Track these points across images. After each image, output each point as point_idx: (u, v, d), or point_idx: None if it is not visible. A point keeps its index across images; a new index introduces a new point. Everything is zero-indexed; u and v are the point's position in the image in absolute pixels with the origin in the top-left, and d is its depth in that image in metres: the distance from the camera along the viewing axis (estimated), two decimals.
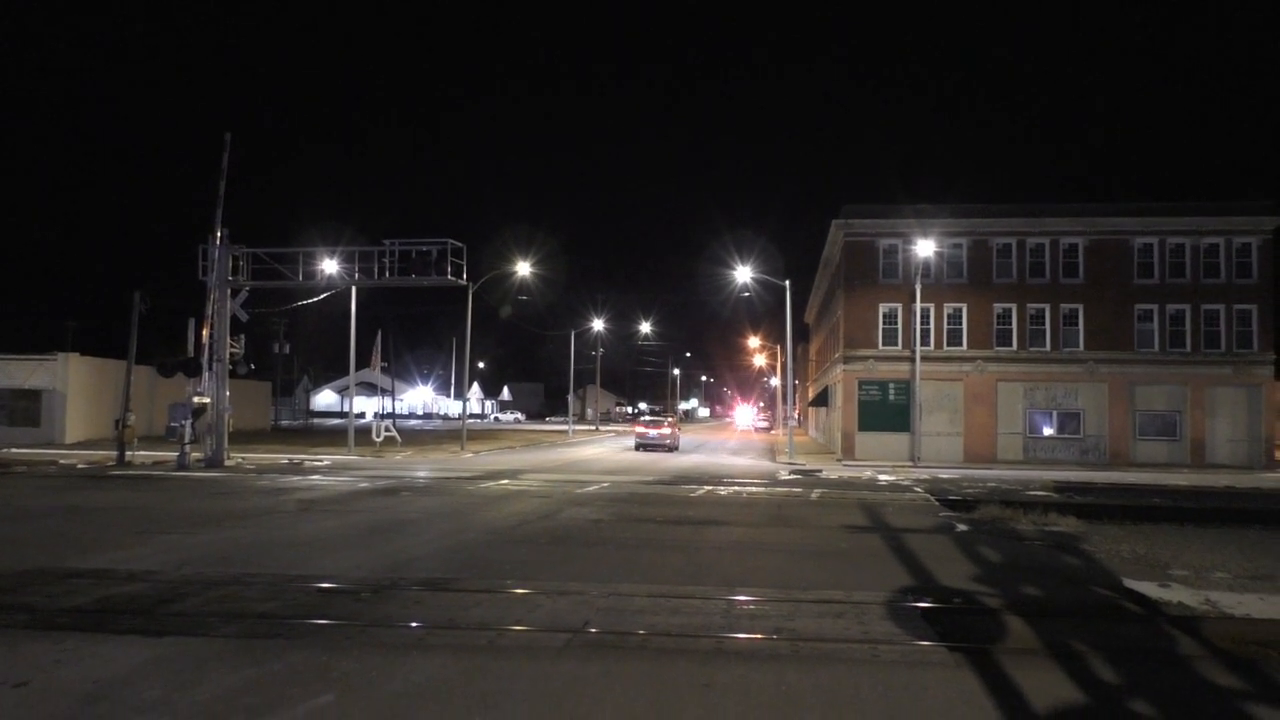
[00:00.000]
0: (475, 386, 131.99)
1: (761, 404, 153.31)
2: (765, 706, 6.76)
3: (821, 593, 10.95)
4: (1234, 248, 39.23)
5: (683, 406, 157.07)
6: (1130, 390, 39.66)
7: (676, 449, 47.28)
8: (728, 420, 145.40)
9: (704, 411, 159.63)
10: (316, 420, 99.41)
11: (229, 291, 32.85)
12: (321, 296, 37.76)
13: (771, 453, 46.59)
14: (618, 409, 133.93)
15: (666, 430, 47.54)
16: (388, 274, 34.16)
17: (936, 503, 22.63)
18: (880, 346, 40.20)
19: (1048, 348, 39.82)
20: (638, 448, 46.78)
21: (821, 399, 53.80)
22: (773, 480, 29.37)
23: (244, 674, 7.35)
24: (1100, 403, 39.81)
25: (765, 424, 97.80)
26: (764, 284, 42.71)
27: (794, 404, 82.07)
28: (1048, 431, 39.94)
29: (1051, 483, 29.30)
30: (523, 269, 46.86)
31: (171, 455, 33.08)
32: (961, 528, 17.57)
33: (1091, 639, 8.84)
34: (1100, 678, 7.59)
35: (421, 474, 29.63)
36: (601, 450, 47.64)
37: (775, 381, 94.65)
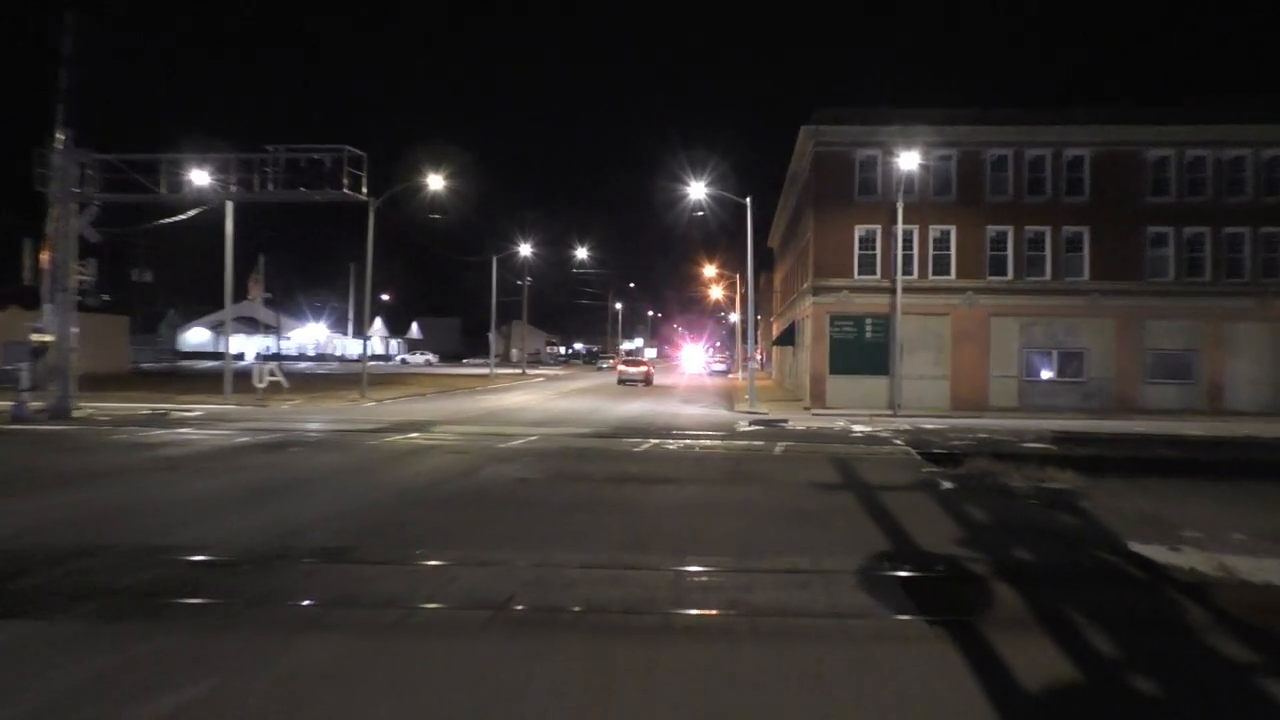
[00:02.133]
0: (378, 322, 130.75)
1: (717, 343, 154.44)
2: (717, 689, 6.89)
3: (784, 560, 11.15)
4: (1262, 161, 40.00)
5: (625, 346, 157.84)
6: (1140, 326, 40.50)
7: (650, 384, 66.62)
8: (675, 361, 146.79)
9: (650, 352, 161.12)
10: (186, 362, 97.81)
11: (74, 206, 31.90)
12: (191, 214, 36.86)
13: (729, 400, 46.89)
14: (549, 349, 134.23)
15: (645, 368, 68.68)
16: (271, 187, 33.46)
17: (918, 456, 23.12)
18: (855, 275, 40.48)
19: (1047, 277, 40.45)
20: (620, 382, 66.42)
21: (788, 337, 54.04)
22: (730, 432, 29.68)
23: (103, 660, 7.29)
24: (1106, 341, 40.66)
25: (722, 367, 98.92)
26: (721, 202, 42.68)
27: (755, 343, 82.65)
28: (1046, 374, 40.75)
29: (1050, 433, 30.04)
30: (435, 183, 46.18)
31: (5, 405, 32.32)
32: (946, 484, 17.98)
33: (1090, 608, 9.13)
34: (1099, 651, 7.85)
35: (314, 426, 29.37)
36: (529, 398, 47.69)
37: (734, 317, 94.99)
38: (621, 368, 70.37)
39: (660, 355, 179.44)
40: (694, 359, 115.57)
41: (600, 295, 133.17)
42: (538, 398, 48.00)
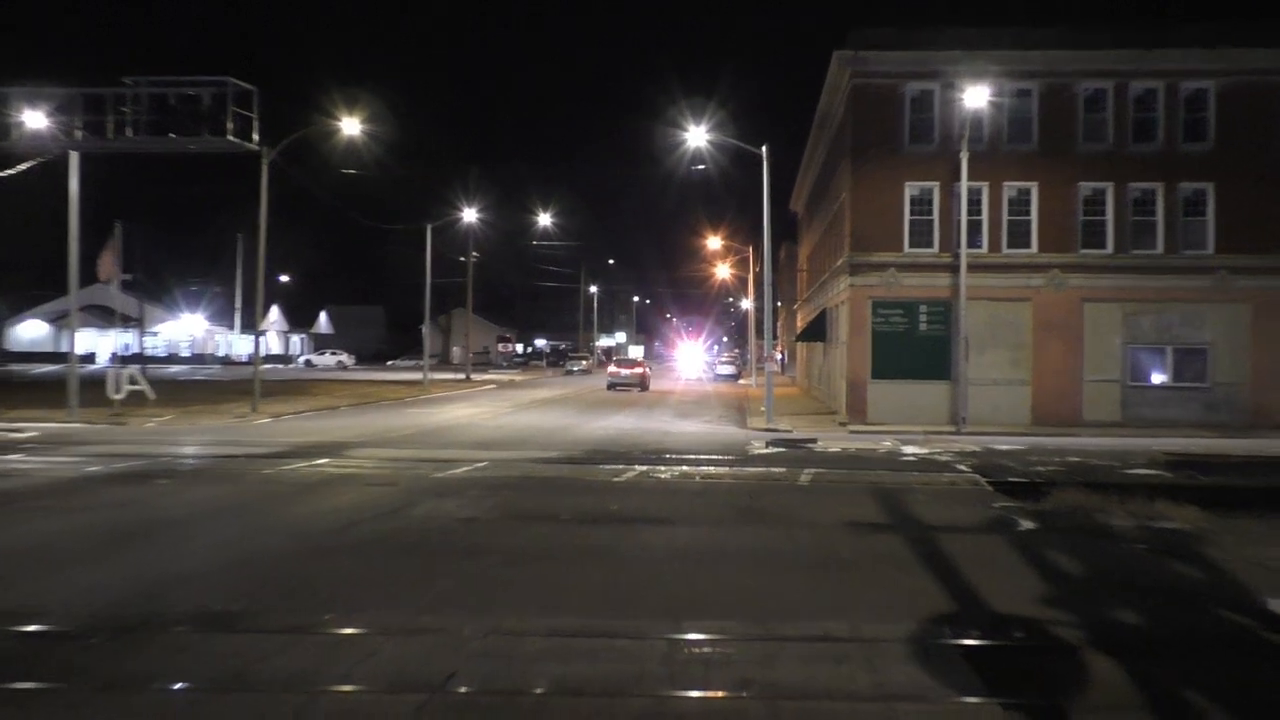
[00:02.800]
0: (275, 313, 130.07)
1: (723, 339, 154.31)
2: None
3: (813, 625, 11.13)
4: None
5: (604, 343, 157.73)
6: None
7: (646, 389, 72.13)
8: (670, 362, 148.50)
9: (636, 350, 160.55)
10: (17, 366, 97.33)
11: None
12: (21, 169, 36.66)
13: (740, 413, 47.12)
14: (503, 347, 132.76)
15: (640, 370, 74.62)
16: (131, 132, 33.26)
17: (989, 487, 23.12)
18: (906, 249, 40.47)
19: (1159, 249, 40.38)
20: (610, 387, 72.00)
21: (816, 330, 53.69)
22: (742, 455, 29.71)
23: None
24: (1238, 333, 40.39)
25: (730, 369, 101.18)
26: (729, 154, 43.06)
27: (774, 339, 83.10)
28: (1158, 378, 40.72)
29: (1162, 455, 29.96)
30: (350, 127, 45.85)
31: None
32: (1026, 524, 18.00)
33: (1216, 690, 9.07)
34: None
35: (190, 450, 29.25)
36: (477, 411, 47.53)
37: (746, 304, 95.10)
38: (613, 369, 77.07)
39: (649, 354, 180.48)
40: (693, 359, 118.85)
41: (570, 277, 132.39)
42: (489, 411, 47.86)
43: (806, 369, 72.65)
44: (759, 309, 73.84)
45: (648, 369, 79.08)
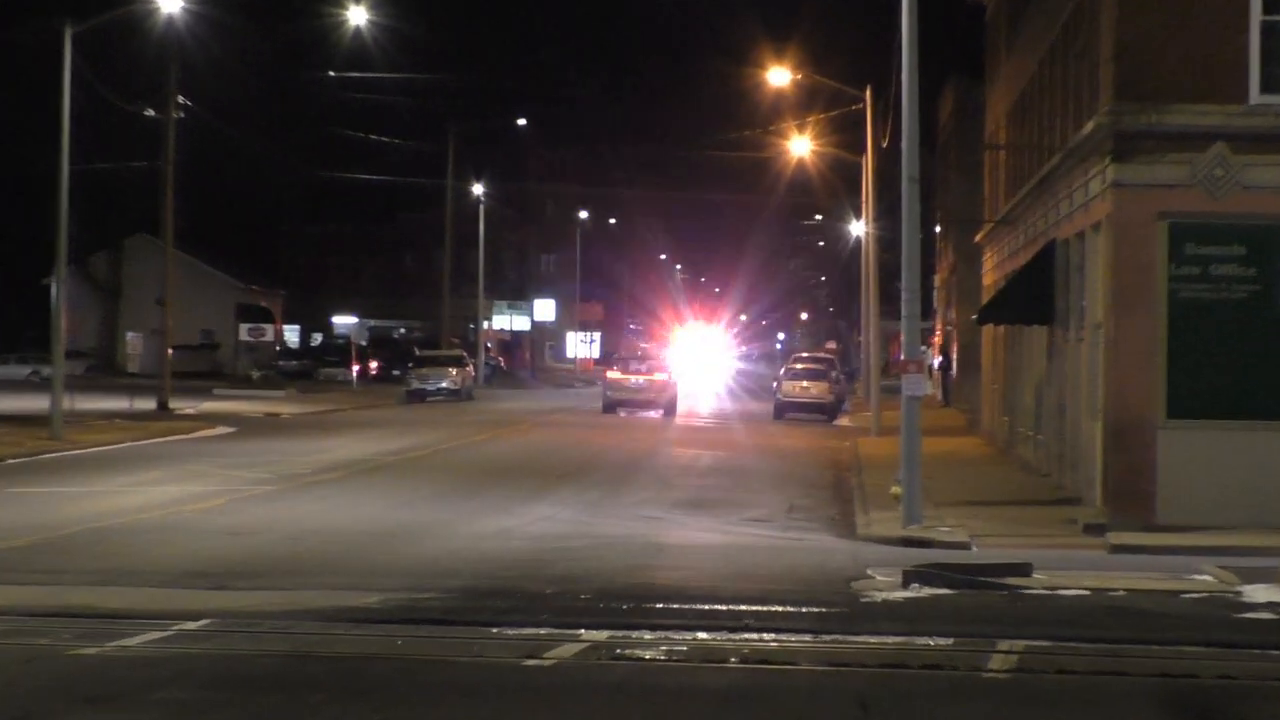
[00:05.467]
0: None
1: (796, 332, 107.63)
2: None
3: None
4: None
5: (497, 325, 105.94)
6: None
7: (673, 413, 52.32)
8: (645, 362, 67.65)
9: (589, 341, 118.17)
10: None
11: None
12: None
13: (835, 493, 29.71)
14: (256, 335, 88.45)
15: (661, 377, 53.22)
16: None
17: None
18: (1254, 96, 24.01)
19: None
20: (608, 408, 52.08)
21: (1026, 297, 32.30)
22: (844, 605, 16.36)
23: None
24: None
25: (816, 389, 56.71)
26: None
27: (925, 319, 54.25)
28: None
29: None
30: None
31: None
32: None
33: None
34: None
35: None
36: (190, 491, 27.87)
37: (857, 230, 62.79)
38: (614, 377, 54.90)
39: (612, 343, 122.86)
40: (708, 361, 79.66)
41: (423, 150, 79.48)
42: (221, 489, 28.30)
43: (999, 390, 40.42)
44: (884, 238, 46.93)
45: (672, 377, 55.23)
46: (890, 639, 13.66)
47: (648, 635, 13.48)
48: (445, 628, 13.93)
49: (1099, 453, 25.19)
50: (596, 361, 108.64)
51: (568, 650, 12.69)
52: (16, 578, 16.76)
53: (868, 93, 32.53)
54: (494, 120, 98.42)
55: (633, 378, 52.45)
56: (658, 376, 52.47)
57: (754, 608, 15.51)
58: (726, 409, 63.72)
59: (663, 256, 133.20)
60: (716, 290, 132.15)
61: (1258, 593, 16.68)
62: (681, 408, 55.77)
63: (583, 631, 13.83)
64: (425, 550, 20.34)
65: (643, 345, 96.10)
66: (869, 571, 18.88)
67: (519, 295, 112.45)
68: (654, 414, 50.07)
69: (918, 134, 26.29)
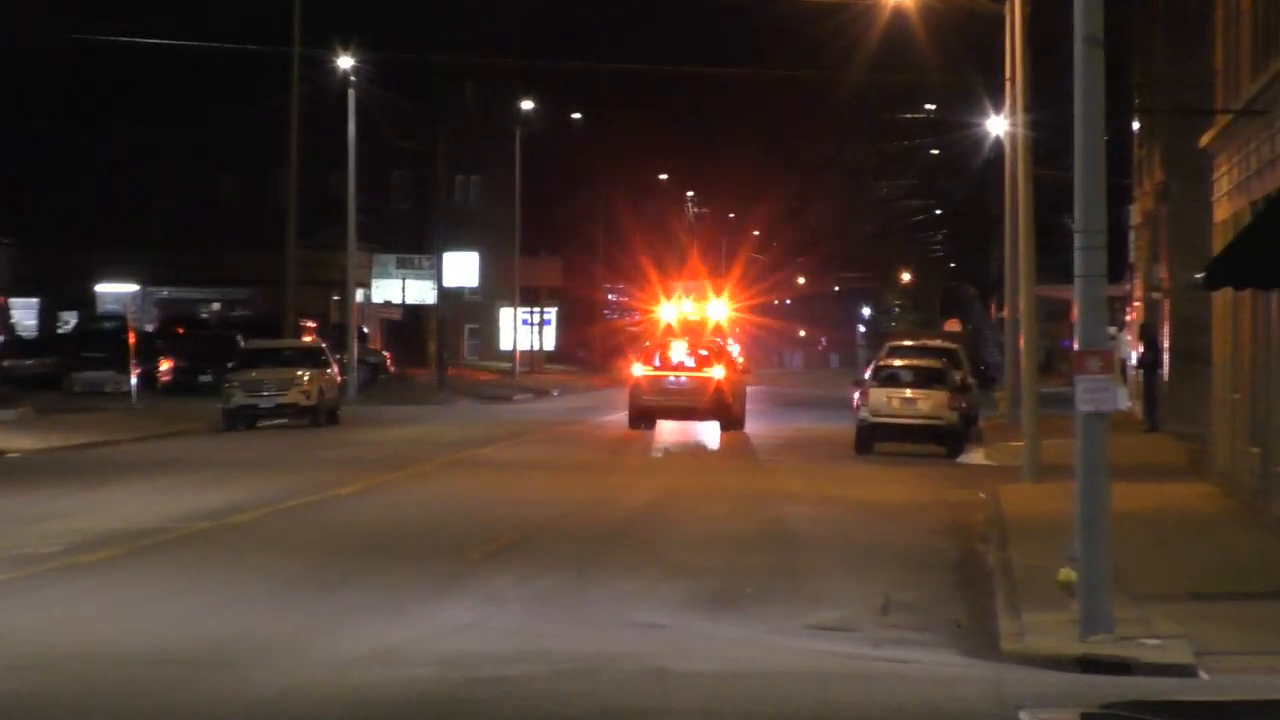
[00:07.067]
0: None
1: (893, 305, 74.23)
2: None
3: None
4: None
5: (382, 292, 77.99)
6: None
7: (740, 426, 42.07)
8: (692, 352, 55.39)
9: (538, 323, 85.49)
10: None
11: None
12: None
13: (960, 577, 18.67)
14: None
15: (714, 377, 41.48)
16: None
17: None
18: None
19: None
20: (636, 420, 41.95)
21: None
22: None
23: None
24: None
25: (930, 407, 39.42)
26: None
27: (1122, 277, 41.14)
28: None
29: None
30: None
31: None
32: None
33: None
34: None
35: None
36: None
37: (996, 130, 49.57)
38: (642, 373, 42.65)
39: (573, 317, 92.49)
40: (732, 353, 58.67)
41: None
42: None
43: (1243, 402, 27.36)
44: (1042, 142, 34.74)
45: (736, 368, 44.83)
46: None
47: None
48: None
49: None
50: (551, 358, 79.74)
51: None
52: None
53: None
54: None
55: (671, 375, 40.98)
56: (706, 375, 40.69)
57: None
58: (779, 430, 47.83)
59: (663, 177, 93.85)
60: (755, 233, 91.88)
61: None
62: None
63: None
64: (256, 688, 11.48)
65: (686, 315, 66.45)
66: (1023, 717, 11.57)
67: (418, 246, 78.51)
68: (703, 427, 40.26)
69: None
